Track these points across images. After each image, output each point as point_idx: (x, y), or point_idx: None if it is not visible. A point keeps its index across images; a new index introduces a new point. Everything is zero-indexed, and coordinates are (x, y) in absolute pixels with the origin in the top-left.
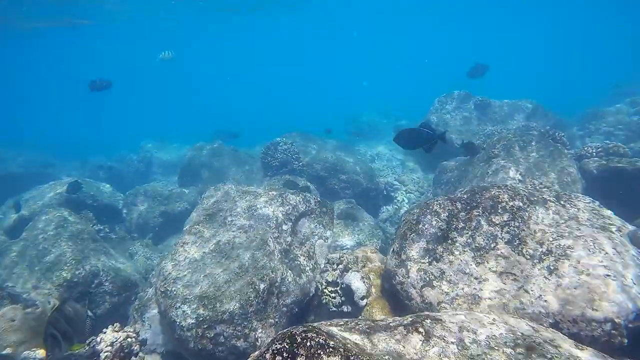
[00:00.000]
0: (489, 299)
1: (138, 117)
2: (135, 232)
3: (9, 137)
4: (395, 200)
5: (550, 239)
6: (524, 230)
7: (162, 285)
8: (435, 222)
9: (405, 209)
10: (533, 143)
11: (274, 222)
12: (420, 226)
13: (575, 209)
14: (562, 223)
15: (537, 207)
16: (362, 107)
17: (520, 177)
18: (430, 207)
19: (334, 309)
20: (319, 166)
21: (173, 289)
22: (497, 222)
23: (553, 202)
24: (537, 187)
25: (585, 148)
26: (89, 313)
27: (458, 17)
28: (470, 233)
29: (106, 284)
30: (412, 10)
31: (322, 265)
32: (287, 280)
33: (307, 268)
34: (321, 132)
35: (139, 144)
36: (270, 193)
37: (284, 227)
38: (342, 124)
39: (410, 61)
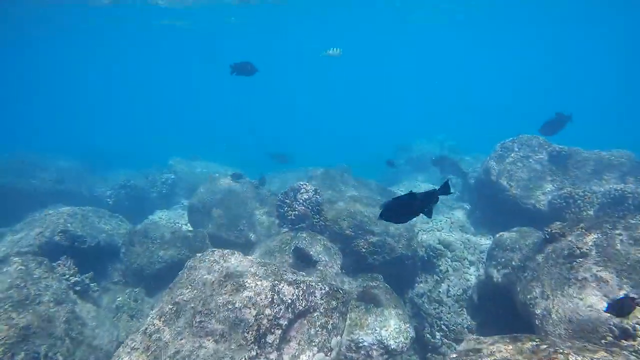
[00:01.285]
0: None
1: (184, 131)
2: (130, 278)
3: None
4: (438, 270)
5: None
6: None
7: None
8: None
9: (448, 283)
10: None
11: (254, 332)
12: None
13: None
14: None
15: None
16: (414, 136)
17: None
18: None
19: None
20: (345, 223)
21: None
22: None
23: None
24: None
25: None
26: None
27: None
28: None
29: None
30: (478, 36)
31: None
32: None
33: None
34: (365, 163)
35: (167, 161)
36: (258, 284)
37: (269, 338)
38: (390, 153)
39: (471, 89)
